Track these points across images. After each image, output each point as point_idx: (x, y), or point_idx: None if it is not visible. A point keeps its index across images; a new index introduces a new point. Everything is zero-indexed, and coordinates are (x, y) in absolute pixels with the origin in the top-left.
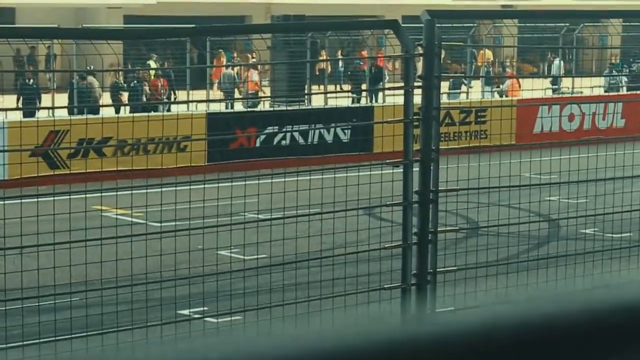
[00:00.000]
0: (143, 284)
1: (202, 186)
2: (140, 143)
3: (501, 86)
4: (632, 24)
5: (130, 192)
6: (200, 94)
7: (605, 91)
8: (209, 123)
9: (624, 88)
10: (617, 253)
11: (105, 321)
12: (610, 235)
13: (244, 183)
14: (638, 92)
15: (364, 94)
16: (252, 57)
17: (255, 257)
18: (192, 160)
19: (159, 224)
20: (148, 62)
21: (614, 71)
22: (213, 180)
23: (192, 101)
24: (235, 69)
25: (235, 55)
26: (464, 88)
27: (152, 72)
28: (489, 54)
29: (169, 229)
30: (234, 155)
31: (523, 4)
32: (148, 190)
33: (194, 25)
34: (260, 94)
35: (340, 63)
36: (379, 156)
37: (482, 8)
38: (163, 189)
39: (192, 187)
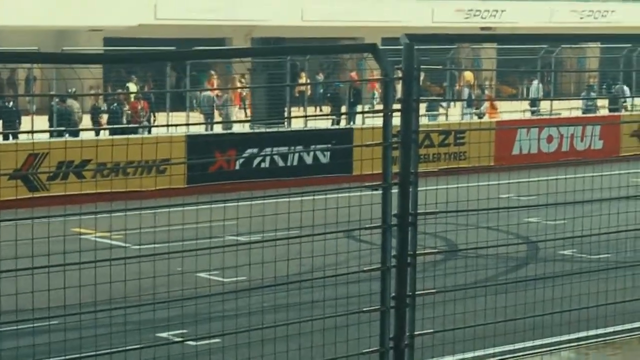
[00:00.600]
0: (122, 308)
1: (182, 209)
2: (119, 167)
3: (480, 108)
4: (609, 45)
5: (109, 215)
6: (180, 116)
7: (583, 113)
8: (189, 146)
9: (603, 110)
10: (595, 275)
11: (84, 345)
12: (589, 256)
13: (223, 205)
14: (616, 113)
15: (343, 116)
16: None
17: (235, 279)
18: (171, 183)
19: (138, 247)
20: (128, 84)
21: (591, 93)
22: (192, 203)
23: (171, 125)
24: (215, 91)
25: (214, 77)
26: (443, 109)
27: (132, 95)
28: (469, 75)
29: (148, 252)
30: (213, 177)
31: (502, 27)
32: (127, 213)
33: (174, 48)
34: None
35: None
36: (358, 178)
37: (461, 31)
38: (142, 212)
39: (171, 209)
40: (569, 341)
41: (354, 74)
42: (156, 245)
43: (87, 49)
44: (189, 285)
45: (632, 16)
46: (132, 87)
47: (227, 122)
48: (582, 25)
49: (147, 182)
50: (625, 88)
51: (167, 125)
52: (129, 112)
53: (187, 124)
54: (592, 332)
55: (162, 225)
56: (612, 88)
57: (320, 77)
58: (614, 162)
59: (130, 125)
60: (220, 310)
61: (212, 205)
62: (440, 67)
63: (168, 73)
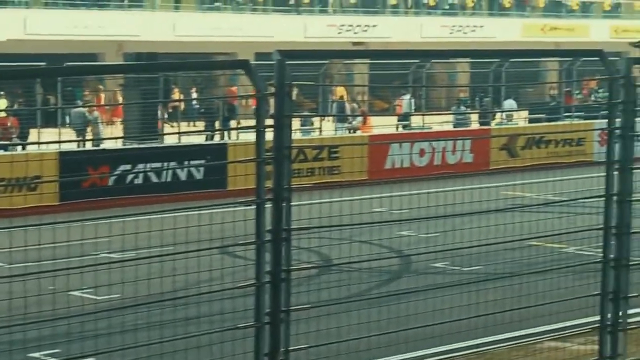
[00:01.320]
0: None
1: (53, 226)
2: None
3: (353, 122)
4: (478, 60)
5: None
6: (51, 133)
7: (454, 126)
8: (61, 163)
9: (473, 123)
10: (466, 287)
11: None
12: (461, 269)
13: (95, 223)
14: (485, 127)
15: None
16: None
17: (108, 297)
18: (43, 200)
19: (8, 266)
20: None
21: (461, 107)
22: (64, 221)
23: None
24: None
25: (87, 93)
26: (316, 124)
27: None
28: (341, 90)
29: (19, 271)
30: (86, 194)
31: (374, 42)
32: None
33: (44, 64)
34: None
35: (195, 101)
36: (232, 193)
37: (334, 46)
38: (13, 230)
39: (42, 227)
40: (442, 353)
41: (235, 89)
42: (27, 264)
43: None
44: (61, 304)
45: (500, 31)
46: (1, 103)
47: (100, 139)
48: (452, 40)
49: (18, 200)
50: (512, 102)
51: (38, 143)
52: None
53: (59, 141)
54: (463, 344)
55: (32, 244)
56: (482, 101)
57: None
58: (484, 175)
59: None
60: (94, 329)
61: (85, 223)
62: (312, 82)
63: (38, 90)
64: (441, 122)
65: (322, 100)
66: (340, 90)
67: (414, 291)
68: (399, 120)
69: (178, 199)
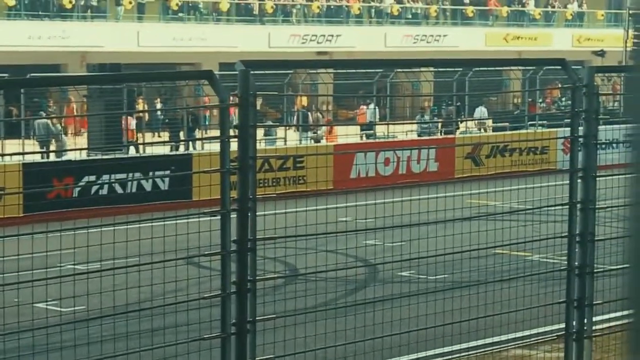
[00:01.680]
0: None
1: (17, 238)
2: None
3: (318, 132)
4: (441, 70)
5: None
6: (14, 144)
7: (418, 135)
8: (25, 174)
9: (438, 132)
10: (432, 296)
11: None
12: (427, 277)
13: (59, 234)
14: (450, 135)
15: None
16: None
17: (73, 309)
18: (7, 212)
19: None
20: None
21: (425, 116)
22: (28, 232)
23: (6, 154)
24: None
25: (51, 104)
26: (281, 134)
27: None
28: (304, 100)
29: None
30: (51, 206)
31: (338, 51)
32: None
33: (6, 76)
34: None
35: (159, 112)
36: (198, 204)
37: (298, 56)
38: None
39: (5, 239)
40: None
41: (207, 99)
42: None
43: None
44: (25, 316)
45: (464, 40)
46: None
47: (65, 150)
48: (416, 50)
49: None
50: (484, 109)
51: (2, 155)
52: None
53: (23, 153)
54: (430, 352)
55: None
56: (447, 110)
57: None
58: (449, 184)
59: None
60: (59, 341)
61: (49, 234)
62: (276, 92)
63: (2, 102)
64: (405, 132)
65: (286, 110)
66: (301, 100)
67: (380, 300)
68: (362, 130)
69: (143, 210)
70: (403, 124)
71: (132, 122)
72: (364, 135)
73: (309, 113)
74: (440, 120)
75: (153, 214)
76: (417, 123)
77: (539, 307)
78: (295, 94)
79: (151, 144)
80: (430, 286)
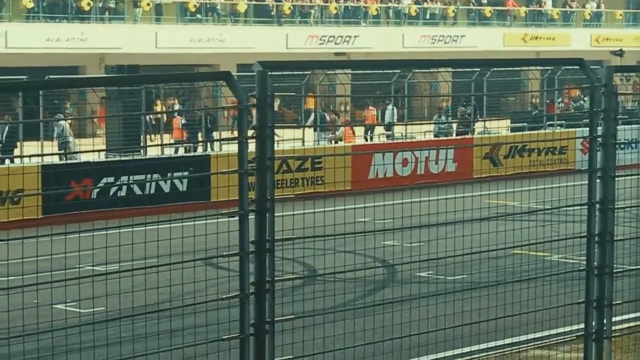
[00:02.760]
0: None
1: (35, 240)
2: None
3: (336, 133)
4: (458, 70)
5: None
6: (33, 146)
7: (435, 136)
8: (44, 176)
9: (454, 133)
10: (451, 296)
11: None
12: (445, 278)
13: (78, 236)
14: (467, 136)
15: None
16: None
17: (92, 310)
18: (26, 214)
19: None
20: None
21: (442, 116)
22: (47, 234)
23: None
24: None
25: (68, 106)
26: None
27: None
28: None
29: (2, 285)
30: (69, 208)
31: (356, 52)
32: None
33: (24, 78)
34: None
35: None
36: (216, 205)
37: (315, 57)
38: None
39: (25, 241)
40: None
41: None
42: (10, 278)
43: None
44: (45, 317)
45: (482, 41)
46: None
47: (83, 152)
48: (434, 50)
49: (0, 214)
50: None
51: (21, 156)
52: None
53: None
54: (449, 353)
55: (15, 258)
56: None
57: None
58: (467, 184)
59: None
60: (78, 342)
61: (67, 236)
62: (293, 93)
63: (21, 103)
64: (423, 132)
65: (304, 111)
66: (314, 101)
67: (399, 301)
68: (365, 131)
69: (161, 211)
70: (418, 124)
71: (180, 121)
72: (372, 136)
73: (325, 114)
74: (455, 120)
75: (171, 215)
76: (433, 123)
77: (558, 308)
78: (313, 95)
79: (169, 145)
80: (449, 286)
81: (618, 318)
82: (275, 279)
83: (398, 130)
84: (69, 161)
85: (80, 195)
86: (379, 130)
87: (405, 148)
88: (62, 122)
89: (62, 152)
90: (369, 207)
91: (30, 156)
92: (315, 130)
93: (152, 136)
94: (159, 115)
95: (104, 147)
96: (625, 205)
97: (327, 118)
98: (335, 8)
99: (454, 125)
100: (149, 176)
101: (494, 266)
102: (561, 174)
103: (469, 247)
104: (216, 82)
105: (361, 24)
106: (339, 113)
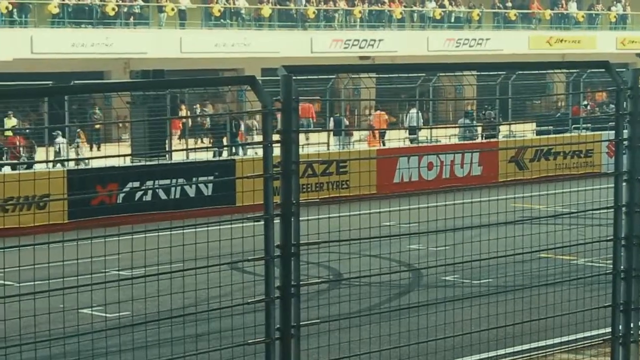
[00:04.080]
0: (2, 348)
1: (61, 244)
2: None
3: (360, 136)
4: (483, 74)
5: None
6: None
7: (459, 139)
8: (69, 181)
9: (480, 136)
10: (477, 300)
11: None
12: (471, 282)
13: (103, 240)
14: (492, 139)
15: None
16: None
17: (118, 315)
18: (52, 219)
19: (17, 285)
20: (5, 119)
21: (467, 120)
22: (73, 239)
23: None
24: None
25: (96, 110)
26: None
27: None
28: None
29: (29, 290)
30: (95, 212)
31: (380, 56)
32: (5, 250)
33: (50, 83)
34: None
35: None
36: (242, 209)
37: (340, 61)
38: (21, 248)
39: (51, 245)
40: None
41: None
42: (36, 283)
43: None
44: (71, 322)
45: (507, 44)
46: (9, 122)
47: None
48: (458, 54)
49: (27, 219)
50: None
51: (46, 161)
52: (5, 148)
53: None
54: (475, 357)
55: (42, 262)
56: (485, 113)
57: (211, 109)
58: (492, 188)
59: (6, 162)
60: (104, 347)
61: (93, 241)
62: (318, 97)
63: (46, 108)
64: (449, 136)
65: (329, 115)
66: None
67: (425, 305)
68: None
69: (187, 216)
70: (442, 127)
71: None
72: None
73: (343, 118)
74: (479, 124)
75: (197, 220)
76: (457, 127)
77: (585, 311)
78: (338, 98)
79: (194, 149)
80: (475, 290)
81: None
82: (301, 283)
83: (423, 134)
84: (94, 166)
85: (106, 200)
86: (393, 134)
87: (430, 152)
88: (60, 139)
89: (87, 157)
90: (394, 211)
91: (54, 161)
92: (334, 135)
93: (178, 141)
94: (183, 120)
95: (129, 151)
96: None
97: (346, 122)
98: (360, 12)
99: (479, 129)
100: (174, 181)
101: (519, 270)
102: (587, 177)
103: (495, 250)
104: (241, 86)
105: (385, 27)
106: (362, 117)
